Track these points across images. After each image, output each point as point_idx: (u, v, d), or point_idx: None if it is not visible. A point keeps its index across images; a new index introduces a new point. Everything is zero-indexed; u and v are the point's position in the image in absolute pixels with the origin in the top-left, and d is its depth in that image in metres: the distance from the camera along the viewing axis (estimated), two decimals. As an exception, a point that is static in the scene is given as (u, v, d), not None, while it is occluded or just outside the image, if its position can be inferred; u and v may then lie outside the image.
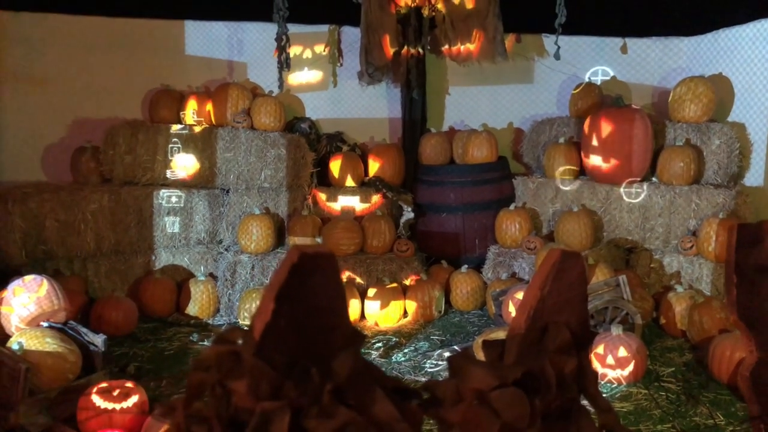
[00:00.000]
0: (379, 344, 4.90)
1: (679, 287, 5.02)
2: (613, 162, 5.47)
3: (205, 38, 6.54)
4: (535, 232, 5.70)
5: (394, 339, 5.00)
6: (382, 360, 4.65)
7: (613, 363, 4.10)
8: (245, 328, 1.22)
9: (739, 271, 1.66)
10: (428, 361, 4.59)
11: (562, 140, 5.97)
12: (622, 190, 5.49)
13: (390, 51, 6.28)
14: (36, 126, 6.16)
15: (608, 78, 6.44)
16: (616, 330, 4.19)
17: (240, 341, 1.16)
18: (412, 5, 6.18)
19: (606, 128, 5.44)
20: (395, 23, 6.24)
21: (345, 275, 5.54)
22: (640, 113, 5.52)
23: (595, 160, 5.56)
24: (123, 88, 6.32)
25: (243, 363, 1.10)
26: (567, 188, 5.77)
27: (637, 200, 5.41)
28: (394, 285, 5.42)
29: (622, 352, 4.09)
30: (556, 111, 6.51)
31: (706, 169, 5.53)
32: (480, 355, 1.49)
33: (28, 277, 4.07)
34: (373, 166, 6.29)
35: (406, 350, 4.80)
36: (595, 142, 5.49)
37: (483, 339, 2.86)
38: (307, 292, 1.13)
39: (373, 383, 1.19)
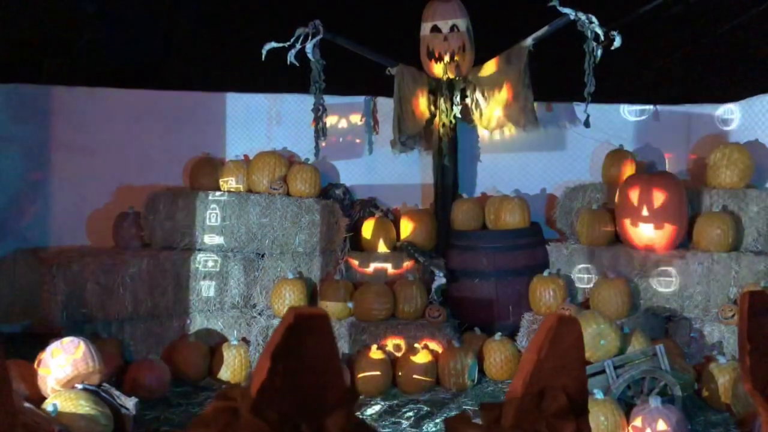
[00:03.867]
0: (411, 413, 4.81)
1: (722, 358, 4.84)
2: (655, 228, 5.41)
3: (245, 109, 6.82)
4: (570, 299, 5.61)
5: (425, 408, 4.90)
6: (414, 430, 4.56)
7: (652, 437, 3.93)
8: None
9: (752, 339, 1.62)
10: None
11: (595, 206, 5.94)
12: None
13: (422, 120, 6.44)
14: (82, 193, 6.46)
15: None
16: (655, 402, 4.04)
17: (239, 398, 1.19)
18: (444, 77, 6.36)
19: (647, 195, 5.40)
20: (427, 93, 6.43)
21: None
22: (675, 179, 5.48)
23: (639, 227, 5.48)
24: (165, 156, 6.60)
25: (239, 419, 1.13)
26: (602, 255, 5.70)
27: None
28: (426, 352, 5.36)
29: (662, 425, 3.93)
30: (589, 177, 6.49)
31: (746, 236, 5.42)
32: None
33: (66, 339, 4.18)
34: (405, 231, 6.34)
35: (437, 420, 4.70)
36: (645, 211, 5.40)
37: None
38: (302, 352, 1.16)
39: (368, 443, 1.19)
